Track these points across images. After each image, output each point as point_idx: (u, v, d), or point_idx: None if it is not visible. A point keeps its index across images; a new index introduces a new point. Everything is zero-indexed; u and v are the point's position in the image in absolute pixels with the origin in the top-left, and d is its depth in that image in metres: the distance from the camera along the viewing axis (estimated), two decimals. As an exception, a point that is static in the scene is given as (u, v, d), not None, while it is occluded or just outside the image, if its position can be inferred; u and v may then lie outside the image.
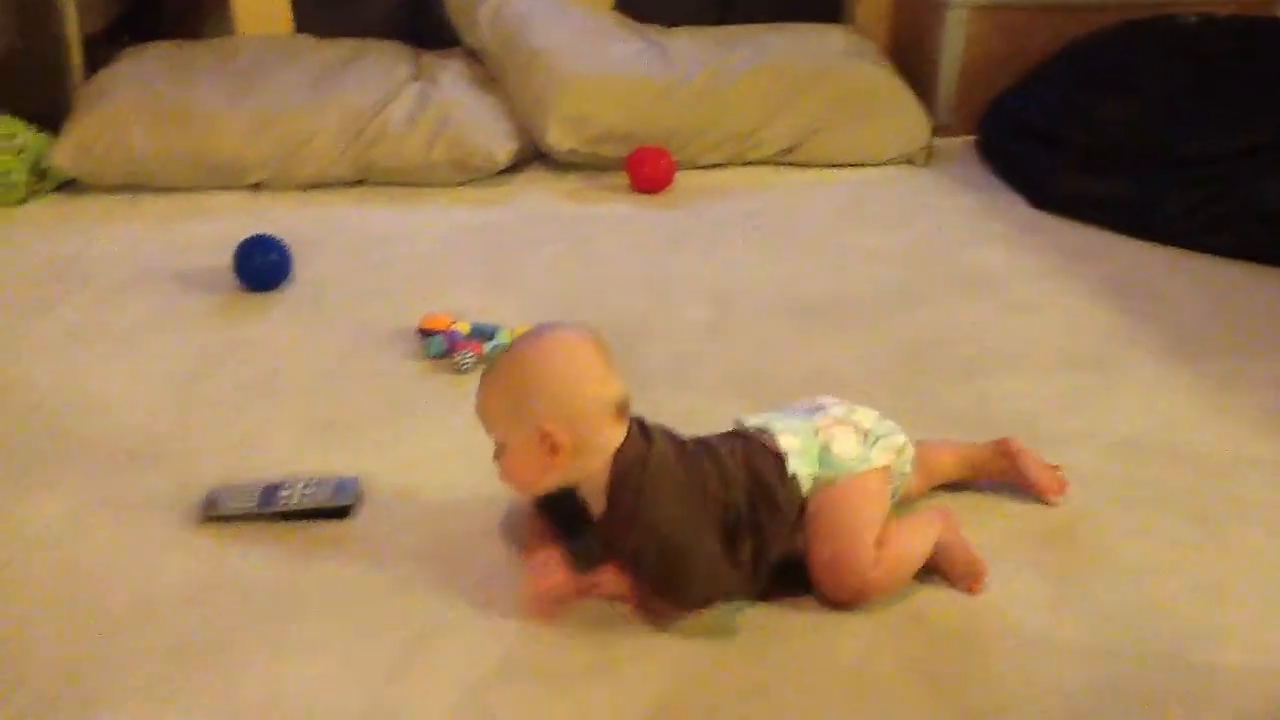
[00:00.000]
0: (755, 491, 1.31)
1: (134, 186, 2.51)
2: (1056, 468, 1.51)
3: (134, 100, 2.53)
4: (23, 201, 2.49)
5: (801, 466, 1.33)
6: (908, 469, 1.42)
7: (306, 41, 2.91)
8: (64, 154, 2.48)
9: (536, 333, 1.32)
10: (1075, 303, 2.06)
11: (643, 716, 1.17)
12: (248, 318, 2.01)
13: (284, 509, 1.47)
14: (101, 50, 2.78)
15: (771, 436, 1.35)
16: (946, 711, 1.18)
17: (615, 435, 1.28)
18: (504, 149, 2.57)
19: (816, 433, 1.36)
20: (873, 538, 1.30)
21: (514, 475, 1.31)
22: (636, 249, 2.28)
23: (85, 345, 1.92)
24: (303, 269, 2.14)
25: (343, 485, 1.51)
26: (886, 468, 1.37)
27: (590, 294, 2.09)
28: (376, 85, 2.65)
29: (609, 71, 2.66)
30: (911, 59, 2.92)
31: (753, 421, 1.40)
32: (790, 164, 2.68)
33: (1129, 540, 1.44)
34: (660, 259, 2.24)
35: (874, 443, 1.37)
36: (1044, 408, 1.72)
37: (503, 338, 1.86)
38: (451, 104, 2.61)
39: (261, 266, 2.08)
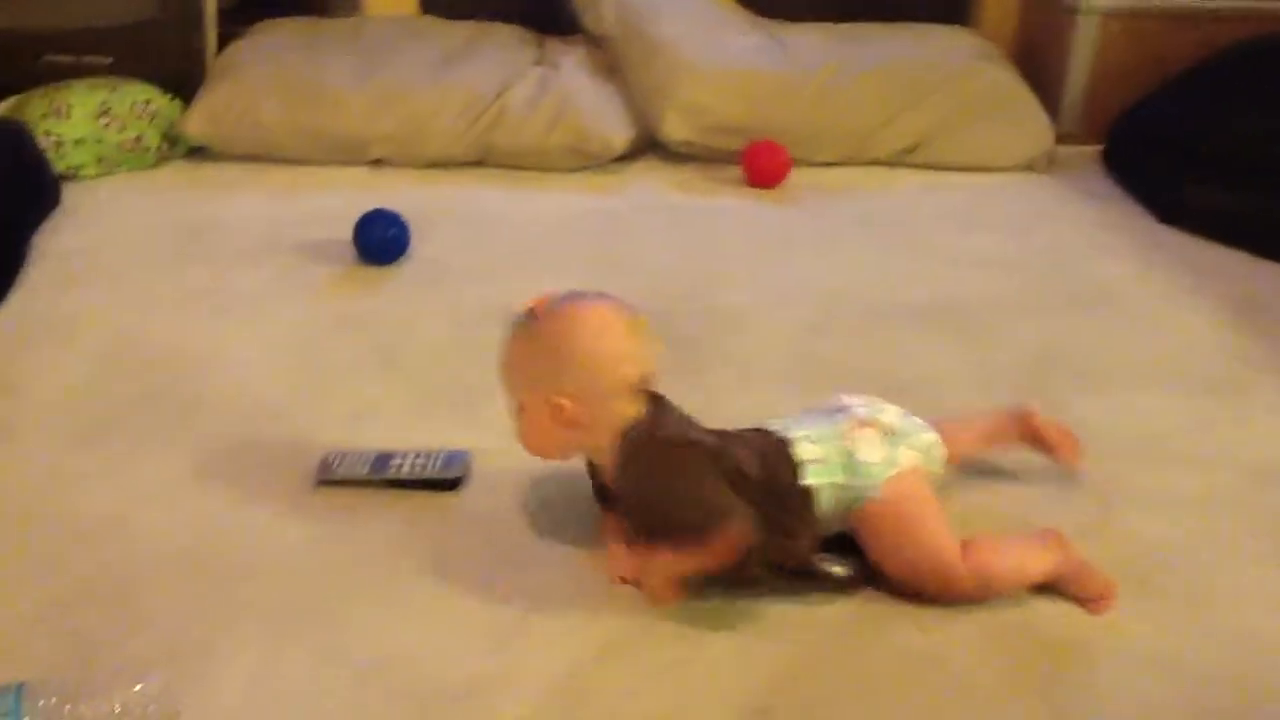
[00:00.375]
0: (767, 497, 1.27)
1: (260, 157, 2.57)
2: (1071, 434, 1.51)
3: (264, 73, 2.60)
4: (154, 166, 2.56)
5: (823, 477, 1.29)
6: (938, 468, 1.38)
7: (432, 23, 2.96)
8: (195, 122, 2.55)
9: (567, 301, 1.30)
10: (1203, 322, 1.99)
11: (740, 708, 1.17)
12: (365, 290, 2.05)
13: (395, 477, 1.50)
14: (235, 24, 2.86)
15: (791, 444, 1.31)
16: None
17: (628, 411, 1.27)
18: (621, 137, 2.58)
19: (840, 438, 1.31)
20: (946, 537, 1.28)
21: (526, 439, 1.32)
22: (747, 243, 2.28)
23: (210, 307, 1.97)
24: (420, 245, 2.17)
25: (453, 458, 1.53)
26: (915, 468, 1.32)
27: (699, 286, 2.08)
28: (499, 69, 2.68)
29: (729, 64, 2.65)
30: (1038, 64, 2.87)
31: (775, 425, 1.35)
32: (908, 165, 2.65)
33: (1254, 567, 1.39)
34: (770, 255, 2.23)
35: (899, 442, 1.33)
36: (1172, 428, 1.67)
37: (614, 323, 1.86)
38: (571, 90, 2.63)
39: (381, 241, 2.12)
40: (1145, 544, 1.42)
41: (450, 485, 1.50)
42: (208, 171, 2.55)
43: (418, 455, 1.52)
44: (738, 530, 1.23)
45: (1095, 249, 2.28)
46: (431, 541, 1.40)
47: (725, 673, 1.21)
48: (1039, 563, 1.30)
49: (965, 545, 1.29)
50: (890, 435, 1.32)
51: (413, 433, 1.61)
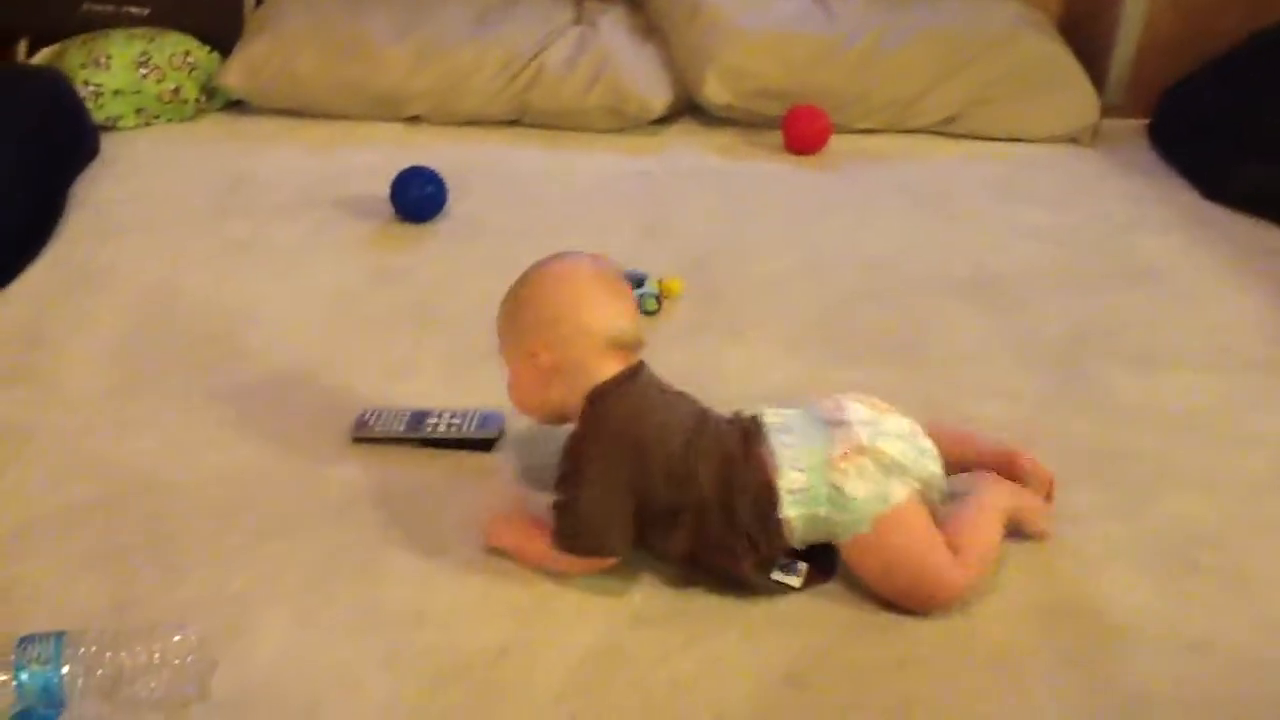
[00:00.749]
0: (720, 505, 1.23)
1: (297, 111, 2.56)
2: (1049, 497, 1.39)
3: (303, 26, 2.58)
4: (192, 119, 2.56)
5: (804, 508, 1.24)
6: (937, 497, 1.29)
7: (472, -21, 2.93)
8: (233, 74, 2.54)
9: (549, 258, 1.34)
10: (1249, 300, 1.96)
11: (772, 677, 1.17)
12: (401, 247, 2.05)
13: (430, 436, 1.49)
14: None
15: (775, 462, 1.25)
16: (1095, 700, 1.15)
17: (602, 370, 1.27)
18: (659, 99, 2.55)
19: (829, 468, 1.24)
20: (939, 559, 1.23)
21: (513, 393, 1.34)
22: (786, 209, 2.25)
23: (249, 260, 1.97)
24: (455, 203, 2.16)
25: (489, 418, 1.52)
26: (909, 502, 1.24)
27: (737, 250, 2.07)
28: (538, 27, 2.65)
29: (772, 27, 2.61)
30: (1084, 35, 2.81)
31: (771, 420, 1.30)
32: (949, 135, 2.60)
33: (1299, 549, 1.37)
34: (810, 222, 2.20)
35: (894, 474, 1.24)
36: (1219, 406, 1.65)
37: (651, 286, 1.85)
38: (610, 50, 2.60)
39: (418, 198, 2.11)
40: (1186, 525, 1.41)
41: (485, 446, 1.50)
42: (245, 125, 2.54)
43: (453, 415, 1.52)
44: (594, 553, 1.24)
45: (1139, 224, 2.24)
46: (466, 502, 1.40)
47: (758, 642, 1.21)
48: (999, 505, 1.31)
49: (954, 545, 1.24)
50: (886, 467, 1.24)
51: (448, 390, 1.60)
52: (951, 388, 1.67)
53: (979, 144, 2.58)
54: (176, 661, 1.09)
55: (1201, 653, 1.22)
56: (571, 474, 1.26)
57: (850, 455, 1.24)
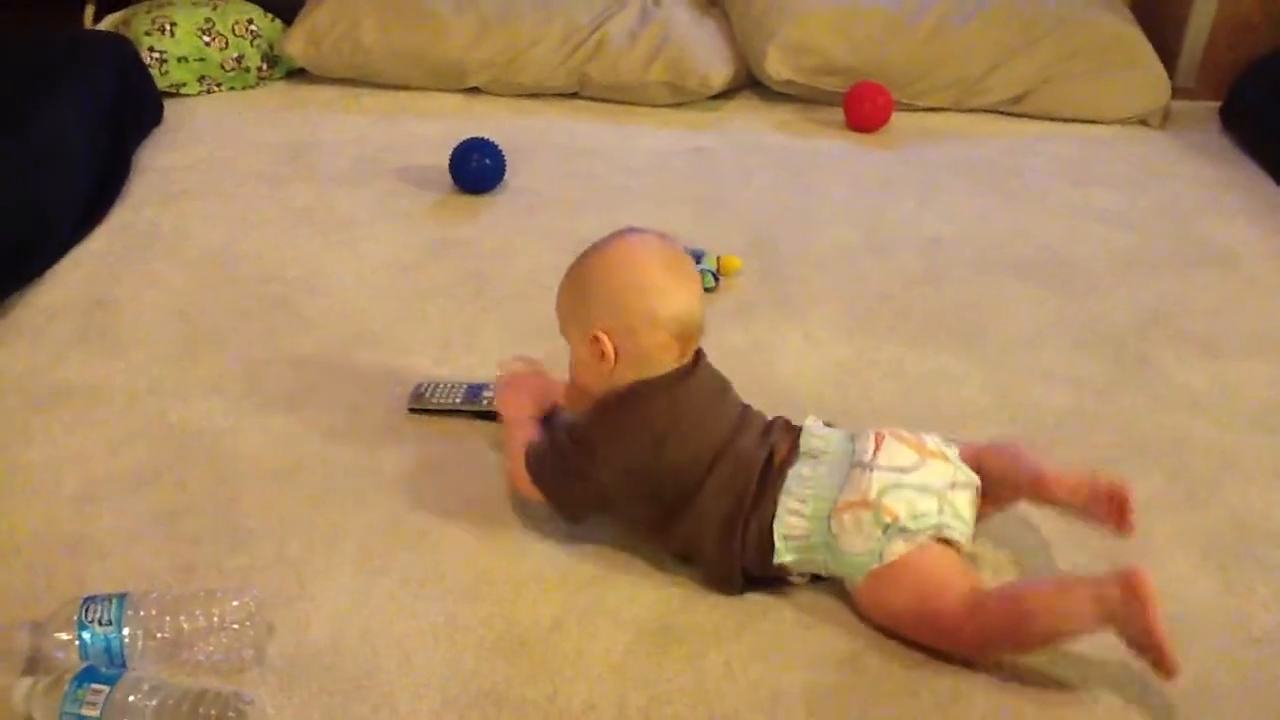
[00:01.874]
0: (719, 539, 1.20)
1: (358, 81, 2.57)
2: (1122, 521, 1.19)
3: (365, -5, 2.58)
4: (254, 86, 2.58)
5: (800, 554, 1.19)
6: (961, 537, 1.19)
7: (533, -50, 2.91)
8: (295, 43, 2.55)
9: (617, 234, 1.26)
10: (1322, 288, 1.92)
11: (829, 654, 1.16)
12: (460, 218, 2.05)
13: (487, 409, 1.49)
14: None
15: (779, 508, 1.20)
16: (1155, 690, 1.13)
17: (663, 361, 1.22)
18: (720, 74, 2.53)
19: (829, 517, 1.18)
20: (942, 605, 1.13)
21: (576, 375, 1.28)
22: (847, 187, 2.23)
23: (309, 228, 1.99)
24: (514, 175, 2.16)
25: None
26: (907, 556, 1.15)
27: (797, 227, 2.05)
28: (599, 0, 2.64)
29: (835, 2, 2.58)
30: (1158, 15, 2.75)
31: (806, 445, 1.24)
32: (1015, 114, 2.57)
33: (1367, 545, 1.34)
34: (871, 200, 2.18)
35: (895, 534, 1.15)
36: (1284, 397, 1.62)
37: (709, 263, 1.84)
38: (672, 23, 2.58)
39: (477, 169, 2.11)
40: (1252, 517, 1.38)
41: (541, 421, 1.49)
42: (306, 93, 2.56)
43: (482, 391, 1.52)
44: (556, 508, 1.27)
45: (1209, 208, 2.19)
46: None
47: (812, 626, 1.20)
48: (1077, 621, 1.10)
49: (977, 601, 1.13)
50: (886, 525, 1.15)
51: (502, 360, 1.60)
52: (1012, 372, 1.64)
53: (1045, 124, 2.54)
54: (235, 626, 1.10)
55: (1265, 646, 1.19)
56: (582, 443, 1.24)
57: (853, 507, 1.17)
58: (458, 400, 1.51)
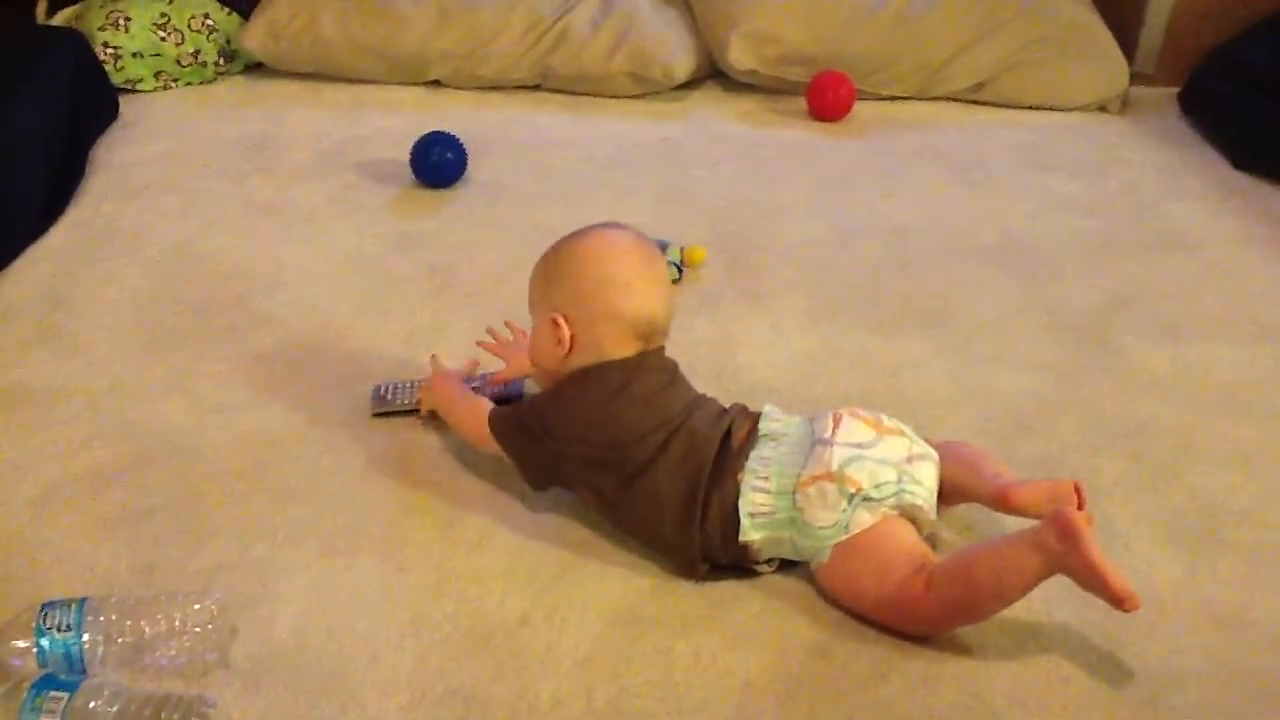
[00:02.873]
0: (679, 515, 1.20)
1: (317, 75, 2.54)
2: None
3: (324, -12, 2.56)
4: (211, 81, 2.55)
5: (767, 530, 1.19)
6: (924, 530, 1.22)
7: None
8: (253, 37, 2.52)
9: (592, 227, 1.31)
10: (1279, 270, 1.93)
11: (797, 645, 1.16)
12: (422, 212, 2.03)
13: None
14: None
15: (741, 485, 1.20)
16: (1124, 674, 1.14)
17: (617, 353, 1.25)
18: (683, 65, 2.52)
19: (793, 493, 1.19)
20: (902, 580, 1.14)
21: (532, 354, 1.33)
22: (811, 177, 2.23)
23: (270, 223, 1.97)
24: (476, 169, 2.15)
25: (509, 385, 1.51)
26: (873, 527, 1.17)
27: (761, 218, 2.05)
28: (561, -10, 2.63)
29: (798, -8, 2.58)
30: (1117, 2, 2.76)
31: (765, 428, 1.25)
32: (977, 102, 2.57)
33: (1329, 525, 1.35)
34: (835, 189, 2.18)
35: (860, 503, 1.17)
36: (1245, 379, 1.63)
37: (673, 254, 1.83)
38: (635, 14, 2.57)
39: (438, 163, 2.09)
40: (1216, 499, 1.39)
41: (501, 400, 1.48)
42: (265, 88, 2.53)
43: (471, 382, 1.51)
44: (521, 473, 1.30)
45: (1169, 193, 2.21)
46: (488, 472, 1.38)
47: (781, 614, 1.20)
48: (1021, 571, 1.11)
49: (929, 575, 1.14)
50: (851, 496, 1.16)
51: (470, 355, 1.59)
52: (978, 358, 1.65)
53: (1007, 111, 2.55)
54: (197, 629, 1.09)
55: (1231, 628, 1.20)
56: (536, 411, 1.28)
57: (816, 480, 1.18)
58: (419, 399, 1.49)
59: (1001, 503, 1.24)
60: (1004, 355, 1.67)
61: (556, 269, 1.28)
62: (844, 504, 1.17)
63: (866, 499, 1.17)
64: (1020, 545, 1.12)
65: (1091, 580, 1.10)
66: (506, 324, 1.54)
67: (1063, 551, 1.09)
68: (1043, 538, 1.10)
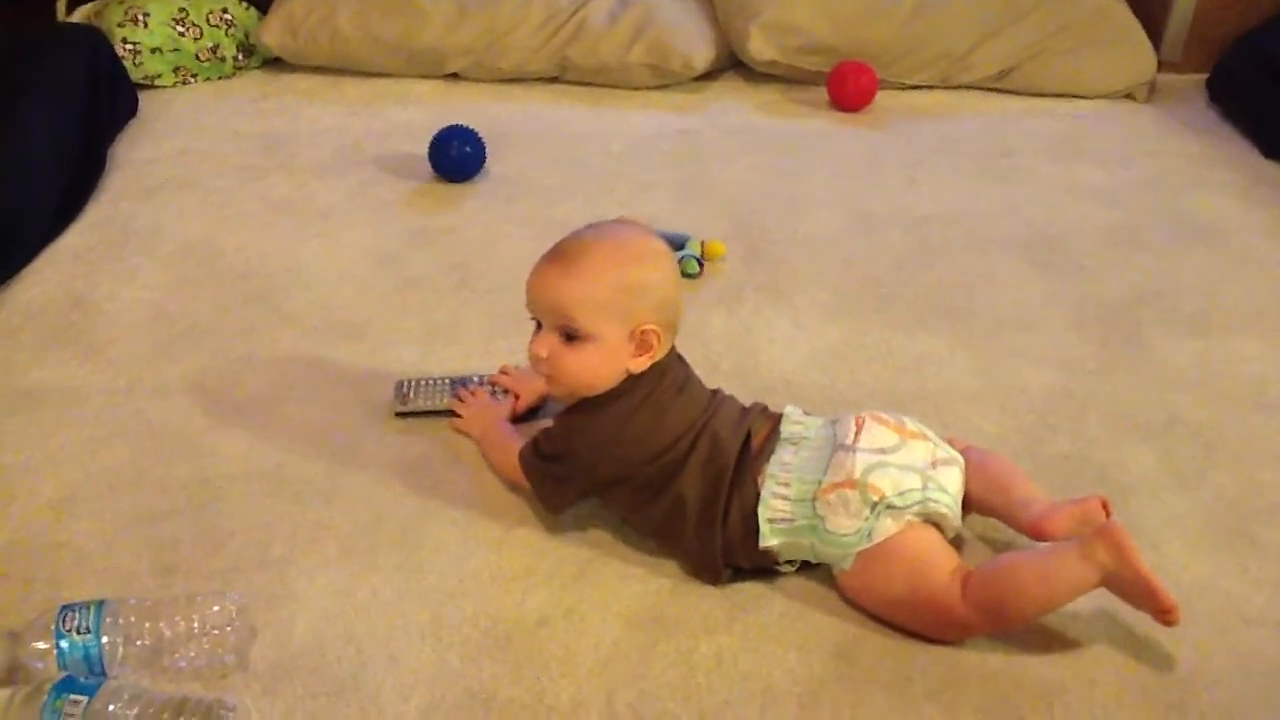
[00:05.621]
0: (700, 517, 1.20)
1: (335, 69, 2.53)
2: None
3: (341, -18, 2.55)
4: (230, 76, 2.54)
5: (786, 537, 1.18)
6: (948, 534, 1.19)
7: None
8: (271, 32, 2.51)
9: (632, 230, 1.24)
10: (1311, 262, 1.90)
11: (820, 648, 1.15)
12: (441, 207, 2.02)
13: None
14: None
15: (761, 490, 1.19)
16: (1153, 674, 1.12)
17: (665, 349, 1.23)
18: (702, 56, 2.50)
19: (814, 500, 1.17)
20: (933, 585, 1.13)
21: (583, 369, 1.20)
22: (833, 168, 2.21)
23: (290, 219, 1.96)
24: (495, 162, 2.14)
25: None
26: (899, 534, 1.15)
27: (782, 210, 2.03)
28: (580, -20, 2.61)
29: (818, -20, 2.55)
30: (1142, -13, 2.73)
31: (786, 430, 1.24)
32: (1000, 90, 2.54)
33: (1360, 523, 1.33)
34: (857, 180, 2.16)
35: (883, 511, 1.15)
36: (1274, 372, 1.60)
37: (693, 247, 1.82)
38: (653, 5, 2.55)
39: (457, 157, 2.08)
40: (1245, 497, 1.36)
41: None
42: (284, 83, 2.52)
43: (496, 389, 1.49)
44: (543, 502, 1.28)
45: (1197, 183, 2.17)
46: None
47: (805, 607, 1.19)
48: (1073, 581, 1.11)
49: (969, 578, 1.13)
50: (874, 504, 1.15)
51: (489, 352, 1.59)
52: (1001, 354, 1.63)
53: (1031, 100, 2.52)
54: (216, 631, 1.09)
55: (1260, 627, 1.18)
56: (562, 445, 1.24)
57: (838, 487, 1.16)
58: (444, 399, 1.48)
59: (1037, 535, 1.20)
60: (1029, 350, 1.64)
61: (638, 279, 1.19)
62: (866, 512, 1.15)
63: (890, 507, 1.15)
64: (1069, 556, 1.12)
65: (1139, 593, 1.10)
66: (482, 410, 1.46)
67: (1112, 564, 1.09)
68: (1092, 550, 1.10)
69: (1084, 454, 1.43)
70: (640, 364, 1.21)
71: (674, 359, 1.26)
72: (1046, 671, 1.13)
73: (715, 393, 1.29)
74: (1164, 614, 1.10)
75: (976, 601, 1.12)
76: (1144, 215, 2.05)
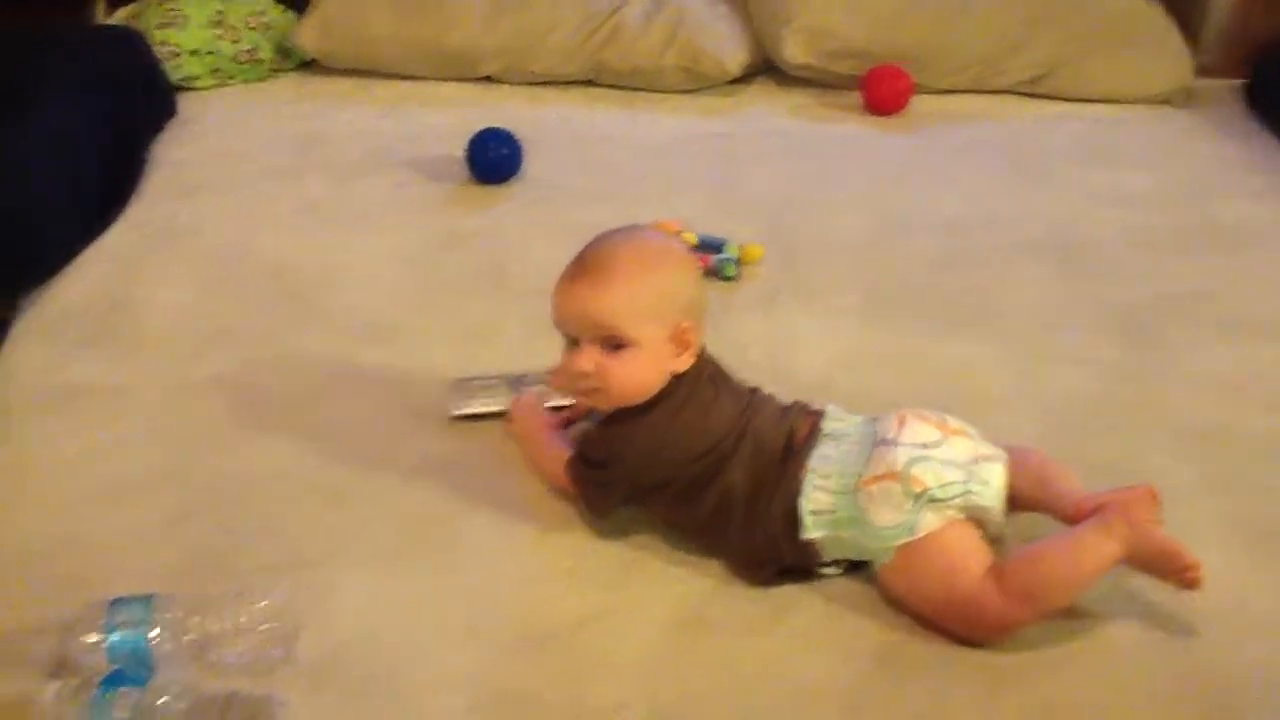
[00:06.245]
0: (745, 515, 1.21)
1: (371, 71, 2.55)
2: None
3: (377, -15, 2.56)
4: (266, 79, 2.56)
5: (827, 529, 1.18)
6: (991, 531, 1.19)
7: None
8: (307, 34, 2.53)
9: (646, 233, 1.28)
10: (1349, 270, 1.89)
11: (865, 651, 1.15)
12: (475, 209, 2.03)
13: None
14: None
15: (803, 484, 1.19)
16: (1192, 680, 1.11)
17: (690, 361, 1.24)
18: (736, 59, 2.51)
19: (856, 492, 1.18)
20: (971, 581, 1.13)
21: (631, 376, 1.21)
22: (866, 172, 2.21)
23: (325, 220, 1.97)
24: (529, 165, 2.14)
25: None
26: (940, 530, 1.15)
27: (815, 214, 2.03)
28: (614, -17, 2.61)
29: (852, -16, 2.55)
30: (1178, -9, 2.71)
31: (827, 427, 1.25)
32: (1035, 95, 2.53)
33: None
34: (890, 185, 2.16)
35: (926, 504, 1.14)
36: (1313, 379, 1.59)
37: (730, 251, 1.82)
38: (686, 8, 2.55)
39: (495, 159, 2.09)
40: (1275, 503, 1.35)
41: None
42: (318, 85, 2.54)
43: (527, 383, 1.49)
44: (590, 509, 1.28)
45: (1233, 189, 2.16)
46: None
47: (846, 610, 1.19)
48: (1097, 555, 1.13)
49: (998, 570, 1.13)
50: (917, 496, 1.15)
51: (527, 355, 1.58)
52: (1037, 358, 1.63)
53: (1066, 105, 2.51)
54: (263, 627, 1.09)
55: (1286, 638, 1.18)
56: (608, 452, 1.25)
57: (880, 479, 1.16)
58: (504, 400, 1.46)
59: (1073, 519, 1.20)
60: (1063, 354, 1.64)
61: (673, 279, 1.23)
62: (909, 504, 1.15)
63: (932, 499, 1.15)
64: (1091, 531, 1.14)
65: (1158, 558, 1.13)
66: (532, 408, 1.45)
67: (1131, 535, 1.12)
68: (1111, 523, 1.13)
69: (1119, 460, 1.42)
70: (683, 362, 1.22)
71: (707, 358, 1.27)
72: (1086, 678, 1.12)
73: (754, 391, 1.30)
74: (1185, 572, 1.12)
75: (1011, 590, 1.12)
76: (1179, 220, 2.04)
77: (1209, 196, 2.13)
